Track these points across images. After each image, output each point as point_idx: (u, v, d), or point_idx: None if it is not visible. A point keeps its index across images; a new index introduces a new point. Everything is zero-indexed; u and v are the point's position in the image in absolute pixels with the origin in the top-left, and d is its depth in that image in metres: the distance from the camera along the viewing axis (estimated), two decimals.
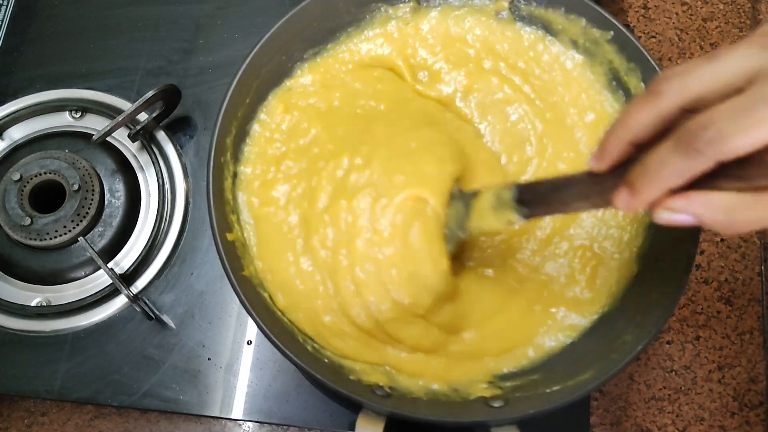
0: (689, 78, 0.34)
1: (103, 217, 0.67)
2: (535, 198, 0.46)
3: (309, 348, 0.52)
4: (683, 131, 0.33)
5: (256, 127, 0.59)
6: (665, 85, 0.35)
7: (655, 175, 0.34)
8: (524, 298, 0.55)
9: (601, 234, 0.56)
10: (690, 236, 0.50)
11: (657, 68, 0.54)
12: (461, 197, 0.53)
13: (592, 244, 0.56)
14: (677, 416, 0.64)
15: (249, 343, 0.63)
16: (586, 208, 0.44)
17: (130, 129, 0.68)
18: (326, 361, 0.52)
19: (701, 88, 0.34)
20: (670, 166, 0.34)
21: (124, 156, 0.69)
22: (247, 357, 0.63)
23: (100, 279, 0.66)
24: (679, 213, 0.35)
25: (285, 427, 0.65)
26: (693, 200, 0.34)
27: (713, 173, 0.33)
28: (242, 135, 0.58)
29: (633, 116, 0.37)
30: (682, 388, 0.65)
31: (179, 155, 0.70)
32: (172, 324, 0.64)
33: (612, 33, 0.56)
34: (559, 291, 0.56)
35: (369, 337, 0.54)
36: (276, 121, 0.59)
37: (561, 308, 0.55)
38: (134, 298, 0.63)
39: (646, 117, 0.36)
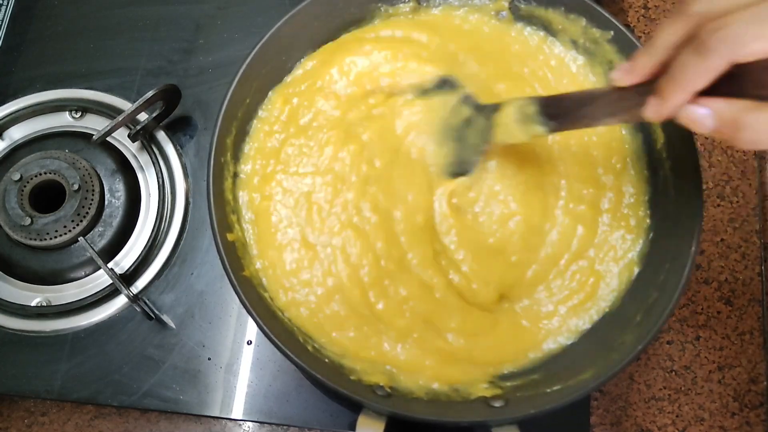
0: None
1: (103, 217, 0.67)
2: (561, 112, 0.47)
3: (309, 348, 0.52)
4: (700, 32, 0.35)
5: (255, 124, 0.59)
6: (693, 6, 0.37)
7: (678, 78, 0.37)
8: (516, 318, 0.55)
9: (603, 235, 0.56)
10: (690, 236, 0.50)
11: None
12: (482, 110, 0.54)
13: (595, 250, 0.56)
14: (677, 416, 0.64)
15: (249, 343, 0.63)
16: (611, 123, 0.45)
17: (130, 129, 0.68)
18: (326, 361, 0.52)
19: (727, 3, 0.35)
20: (690, 67, 0.36)
21: (124, 156, 0.69)
22: (247, 357, 0.63)
23: (100, 279, 0.66)
24: (701, 109, 0.37)
25: (285, 427, 0.65)
26: (715, 100, 0.37)
27: (733, 90, 0.35)
28: (242, 135, 0.58)
29: (662, 36, 0.39)
30: (682, 388, 0.65)
31: (179, 155, 0.70)
32: (172, 324, 0.64)
33: (612, 33, 0.56)
34: (560, 300, 0.56)
35: (370, 321, 0.54)
36: (275, 115, 0.59)
37: (556, 318, 0.55)
38: (134, 298, 0.63)
39: (674, 36, 0.38)
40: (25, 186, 0.64)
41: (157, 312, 0.64)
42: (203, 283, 0.65)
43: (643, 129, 0.57)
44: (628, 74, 0.41)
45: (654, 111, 0.39)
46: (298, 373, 0.62)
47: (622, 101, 0.42)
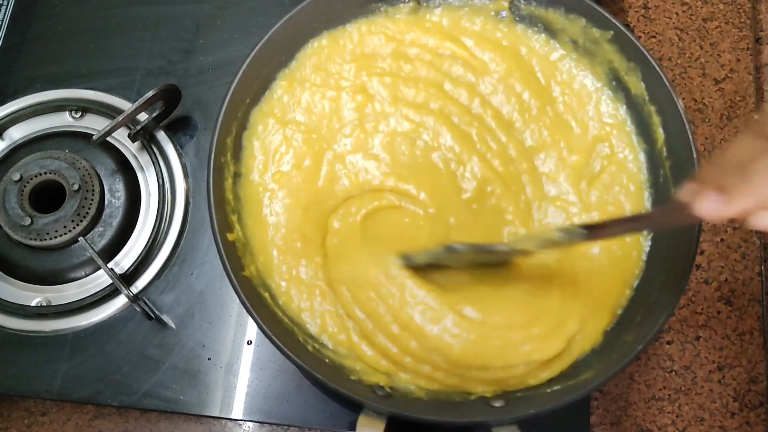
0: None
1: (103, 217, 0.67)
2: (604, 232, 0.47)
3: (309, 348, 0.52)
4: None
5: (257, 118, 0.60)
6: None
7: (758, 185, 0.34)
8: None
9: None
10: (690, 236, 0.50)
11: (657, 68, 0.54)
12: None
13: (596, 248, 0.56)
14: (677, 416, 0.64)
15: (249, 343, 0.63)
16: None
17: (130, 129, 0.68)
18: (327, 361, 0.52)
19: None
20: None
21: (124, 156, 0.69)
22: (247, 357, 0.63)
23: (100, 279, 0.66)
24: None
25: (285, 427, 0.65)
26: None
27: None
28: (242, 135, 0.58)
29: (734, 151, 0.37)
30: (682, 388, 0.65)
31: (179, 155, 0.70)
32: (172, 324, 0.64)
33: (612, 33, 0.56)
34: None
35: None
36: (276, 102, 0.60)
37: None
38: (134, 298, 0.63)
39: (746, 151, 0.36)
40: (25, 186, 0.64)
41: (157, 312, 0.64)
42: (203, 283, 0.65)
43: (644, 130, 0.57)
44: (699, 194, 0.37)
45: (712, 208, 0.36)
46: (298, 373, 0.62)
47: (675, 212, 0.41)
